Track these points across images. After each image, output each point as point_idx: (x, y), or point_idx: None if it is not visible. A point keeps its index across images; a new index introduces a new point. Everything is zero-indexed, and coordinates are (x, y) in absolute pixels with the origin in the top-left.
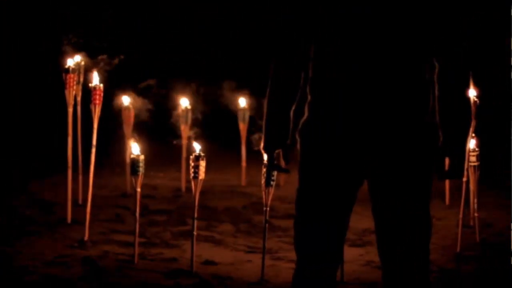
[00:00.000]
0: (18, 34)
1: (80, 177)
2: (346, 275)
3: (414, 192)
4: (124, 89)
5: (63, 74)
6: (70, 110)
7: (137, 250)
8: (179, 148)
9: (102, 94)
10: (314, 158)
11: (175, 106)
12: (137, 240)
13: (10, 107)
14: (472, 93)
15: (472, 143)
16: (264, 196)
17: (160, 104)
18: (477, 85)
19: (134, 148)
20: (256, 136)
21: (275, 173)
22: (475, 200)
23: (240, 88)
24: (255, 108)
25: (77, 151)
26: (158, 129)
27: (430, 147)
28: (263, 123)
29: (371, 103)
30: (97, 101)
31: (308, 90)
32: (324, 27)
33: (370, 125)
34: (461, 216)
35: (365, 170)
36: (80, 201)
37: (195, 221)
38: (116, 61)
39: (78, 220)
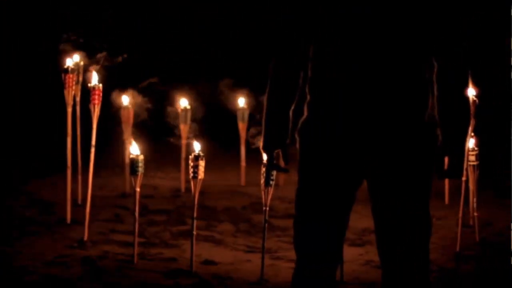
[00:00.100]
0: (18, 34)
1: (80, 177)
2: (346, 275)
3: (414, 191)
4: (124, 89)
5: (62, 74)
6: (69, 110)
7: (136, 250)
8: (178, 148)
9: (101, 94)
10: (314, 157)
11: (174, 106)
12: (137, 240)
13: (10, 107)
14: (471, 92)
15: (471, 143)
16: (263, 196)
17: (159, 104)
18: (477, 85)
19: (133, 148)
20: (253, 130)
21: (274, 172)
22: (475, 200)
23: (239, 88)
24: (254, 106)
25: (76, 151)
26: (158, 129)
27: (430, 146)
28: (263, 122)
29: (371, 103)
30: (96, 101)
31: (307, 90)
32: (324, 27)
33: (370, 125)
34: (460, 215)
35: (364, 170)
36: (79, 201)
37: (195, 221)
38: (119, 59)
39: (78, 220)
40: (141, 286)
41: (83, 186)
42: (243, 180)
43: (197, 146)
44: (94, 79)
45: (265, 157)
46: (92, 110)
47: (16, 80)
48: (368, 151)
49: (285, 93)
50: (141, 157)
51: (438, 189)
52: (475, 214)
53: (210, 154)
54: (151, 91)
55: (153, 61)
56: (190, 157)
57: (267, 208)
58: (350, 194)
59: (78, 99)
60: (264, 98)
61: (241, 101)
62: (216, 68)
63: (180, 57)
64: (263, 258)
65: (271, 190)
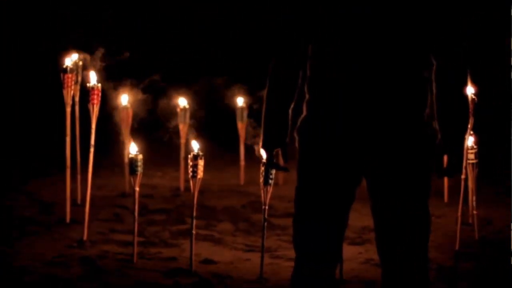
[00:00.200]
0: (18, 34)
1: (79, 177)
2: (345, 273)
3: (413, 190)
4: (123, 89)
5: (61, 74)
6: (68, 110)
7: (136, 249)
8: (177, 147)
9: (100, 94)
10: (313, 156)
11: (173, 105)
12: (136, 239)
13: (10, 107)
14: (470, 90)
15: (470, 141)
16: (262, 195)
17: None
18: (476, 85)
19: (133, 148)
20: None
21: (273, 171)
22: (474, 198)
23: (238, 87)
24: (252, 104)
25: (75, 151)
26: (157, 128)
27: (429, 145)
28: (262, 121)
29: (370, 102)
30: (95, 101)
31: (306, 89)
32: (324, 27)
33: (369, 125)
34: (460, 213)
35: (364, 169)
36: (79, 201)
37: (194, 220)
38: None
39: (77, 220)
40: (140, 286)
41: (82, 186)
42: (242, 179)
43: (196, 146)
44: (93, 79)
45: (264, 156)
46: (91, 110)
47: (16, 80)
48: (368, 151)
49: (285, 92)
50: (140, 156)
51: (437, 187)
52: (475, 212)
53: (209, 154)
54: (151, 89)
55: (153, 61)
56: (189, 156)
57: (267, 207)
58: (350, 193)
59: (77, 99)
60: (264, 97)
61: (240, 100)
62: (216, 68)
63: (180, 57)
64: (262, 257)
65: (270, 189)
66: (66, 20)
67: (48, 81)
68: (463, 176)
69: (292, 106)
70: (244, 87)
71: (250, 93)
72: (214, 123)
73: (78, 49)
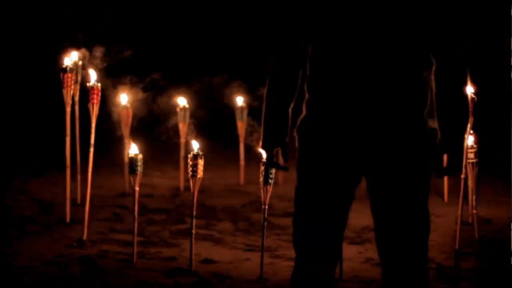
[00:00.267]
0: (18, 34)
1: (79, 177)
2: (345, 273)
3: (413, 190)
4: (123, 88)
5: (61, 74)
6: (68, 109)
7: (136, 249)
8: (177, 147)
9: (99, 94)
10: (313, 156)
11: (173, 105)
12: (136, 239)
13: (10, 107)
14: (469, 90)
15: (470, 140)
16: (262, 194)
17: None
18: (476, 85)
19: (132, 147)
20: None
21: (273, 171)
22: (474, 197)
23: (238, 86)
24: (252, 102)
25: (75, 150)
26: (156, 128)
27: (428, 144)
28: (262, 121)
29: (370, 102)
30: (95, 101)
31: (305, 88)
32: (324, 27)
33: (370, 125)
34: (459, 213)
35: (364, 169)
36: (78, 201)
37: (194, 220)
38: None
39: (77, 220)
40: (140, 285)
41: (82, 185)
42: (242, 179)
43: (196, 145)
44: (93, 78)
45: (264, 155)
46: (91, 109)
47: (16, 80)
48: (368, 151)
49: (285, 92)
50: (140, 156)
51: (437, 187)
52: (474, 211)
53: (209, 153)
54: (151, 88)
55: (153, 61)
56: (189, 156)
57: (266, 207)
58: (349, 192)
59: (76, 98)
60: (263, 97)
61: (240, 100)
62: (216, 68)
63: (180, 57)
64: (262, 257)
65: (270, 189)
66: (66, 20)
67: (48, 81)
68: (463, 176)
69: (292, 105)
70: (243, 86)
71: (250, 92)
72: (214, 122)
73: (78, 47)
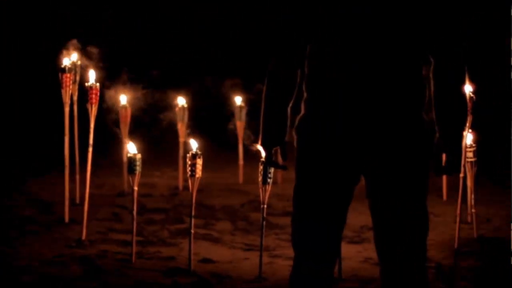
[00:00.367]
0: (18, 34)
1: (78, 177)
2: (344, 272)
3: (413, 190)
4: (122, 88)
5: (59, 74)
6: (67, 109)
7: (134, 249)
8: (176, 146)
9: (98, 93)
10: (312, 155)
11: (172, 104)
12: (135, 239)
13: (9, 107)
14: (468, 88)
15: (469, 139)
16: (261, 194)
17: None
18: (477, 85)
19: (131, 147)
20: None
21: (271, 170)
22: (472, 196)
23: (237, 86)
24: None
25: (74, 150)
26: (155, 127)
27: (427, 143)
28: (261, 120)
29: (370, 102)
30: (94, 100)
31: (304, 87)
32: (324, 27)
33: (370, 125)
34: (458, 212)
35: (364, 169)
36: (77, 201)
37: (193, 220)
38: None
39: (76, 220)
40: (139, 285)
41: (81, 185)
42: (241, 178)
43: (194, 145)
44: (92, 78)
45: (263, 154)
46: (90, 109)
47: (16, 80)
48: (368, 151)
49: (284, 91)
50: (139, 156)
51: (436, 185)
52: (473, 210)
53: (207, 153)
54: (150, 88)
55: (153, 61)
56: (188, 155)
57: (265, 206)
58: (348, 192)
59: (75, 98)
60: (262, 96)
61: (238, 99)
62: (216, 68)
63: (180, 57)
64: (261, 256)
65: (269, 188)
66: (66, 20)
67: (48, 81)
68: (461, 175)
69: (290, 104)
70: (242, 86)
71: (248, 92)
72: (212, 122)
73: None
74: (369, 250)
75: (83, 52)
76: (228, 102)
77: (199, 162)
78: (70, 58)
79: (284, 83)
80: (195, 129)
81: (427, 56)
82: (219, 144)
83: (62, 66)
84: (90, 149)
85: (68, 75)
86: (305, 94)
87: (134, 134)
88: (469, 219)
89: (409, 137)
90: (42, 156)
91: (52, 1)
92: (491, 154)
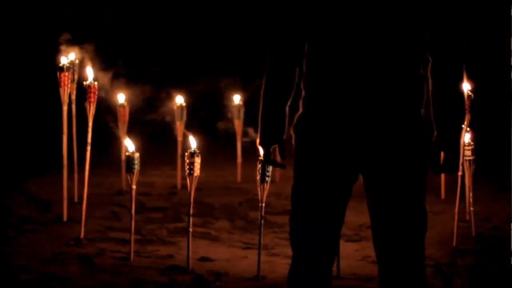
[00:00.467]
0: (18, 34)
1: (76, 175)
2: (342, 270)
3: (412, 189)
4: (120, 87)
5: (58, 72)
6: (65, 108)
7: (133, 247)
8: (174, 145)
9: (96, 92)
10: (311, 154)
11: (171, 103)
12: (133, 237)
13: (9, 106)
14: (466, 87)
15: (467, 137)
16: (259, 192)
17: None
18: (477, 85)
19: (129, 146)
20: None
21: (270, 168)
22: (471, 194)
23: (235, 85)
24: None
25: (72, 149)
26: (154, 126)
27: (426, 142)
28: (259, 118)
29: (370, 102)
30: (92, 99)
31: (302, 86)
32: (324, 27)
33: (370, 125)
34: (457, 210)
35: (363, 168)
36: (76, 199)
37: (191, 218)
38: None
39: (74, 218)
40: (137, 283)
41: (79, 184)
42: (239, 177)
43: (193, 143)
44: (90, 77)
45: (261, 152)
46: (88, 108)
47: (16, 80)
48: (368, 151)
49: (283, 89)
50: (137, 154)
51: (434, 184)
52: (471, 209)
53: (206, 151)
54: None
55: (153, 61)
56: (186, 154)
57: (264, 205)
58: (346, 190)
59: (73, 97)
60: (261, 94)
61: (237, 98)
62: (215, 68)
63: (180, 57)
64: (259, 255)
65: (267, 186)
66: (66, 20)
67: (48, 81)
68: (460, 173)
69: (289, 103)
70: (240, 84)
71: (247, 90)
72: (211, 120)
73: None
74: (368, 249)
75: (80, 47)
76: (227, 101)
77: (198, 160)
78: (68, 57)
79: (283, 81)
80: (193, 128)
81: (425, 54)
82: (217, 143)
83: (60, 64)
84: (89, 147)
85: (66, 73)
86: (303, 93)
87: (132, 132)
88: (467, 217)
89: (408, 137)
90: (40, 155)
91: (52, 1)
92: (491, 154)
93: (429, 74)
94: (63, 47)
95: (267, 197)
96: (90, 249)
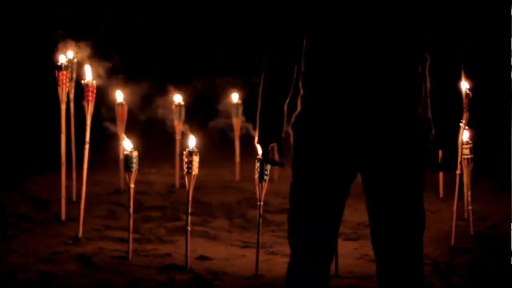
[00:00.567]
0: (18, 34)
1: (74, 174)
2: (340, 269)
3: (410, 188)
4: (119, 85)
5: (56, 71)
6: (63, 107)
7: (131, 246)
8: (172, 143)
9: (94, 91)
10: (310, 153)
11: (170, 102)
12: (131, 236)
13: (8, 106)
14: (464, 85)
15: (465, 136)
16: (258, 191)
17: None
18: (477, 85)
19: (127, 144)
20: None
21: (268, 167)
22: (469, 193)
23: (234, 84)
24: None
25: (70, 148)
26: (152, 125)
27: (423, 141)
28: (258, 117)
29: (371, 102)
30: (90, 98)
31: (300, 84)
32: (324, 27)
33: (370, 124)
34: (455, 209)
35: (362, 167)
36: (74, 198)
37: (189, 217)
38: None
39: (72, 217)
40: (136, 282)
41: (77, 183)
42: (237, 175)
43: (191, 142)
44: (88, 75)
45: (260, 151)
46: (86, 106)
47: (16, 80)
48: (368, 150)
49: (281, 87)
50: (135, 153)
51: (432, 182)
52: (470, 207)
53: (204, 150)
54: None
55: (153, 61)
56: (184, 152)
57: (262, 203)
58: (345, 189)
59: (72, 96)
60: (259, 93)
61: (235, 97)
62: (216, 68)
63: (180, 57)
64: (257, 253)
65: (265, 185)
66: (66, 20)
67: (48, 80)
68: (458, 171)
69: (287, 101)
70: (239, 84)
71: (245, 89)
72: (209, 119)
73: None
74: (366, 247)
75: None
76: (225, 100)
77: (196, 159)
78: (66, 55)
79: (282, 80)
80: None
81: (424, 54)
82: (215, 141)
83: (58, 63)
84: (87, 146)
85: (64, 72)
86: (301, 91)
87: (130, 131)
88: (465, 215)
89: (408, 136)
90: (38, 154)
91: (52, 1)
92: (490, 153)
93: (427, 72)
94: (60, 45)
95: (265, 195)
96: (88, 248)
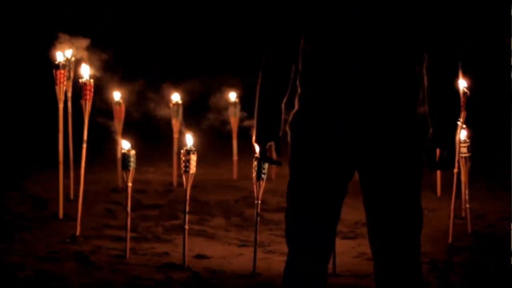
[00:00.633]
0: (18, 34)
1: (72, 173)
2: (338, 267)
3: (408, 187)
4: (117, 84)
5: (53, 70)
6: (61, 106)
7: (129, 245)
8: (170, 142)
9: (92, 90)
10: (308, 152)
11: (167, 101)
12: (129, 235)
13: (9, 106)
14: (462, 84)
15: (463, 134)
16: (255, 190)
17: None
18: (477, 85)
19: (125, 143)
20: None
21: (266, 166)
22: (467, 192)
23: (233, 83)
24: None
25: (68, 146)
26: (150, 124)
27: (421, 140)
28: (255, 115)
29: (370, 102)
30: (88, 97)
31: (298, 83)
32: (324, 27)
33: (370, 124)
34: (452, 207)
35: (361, 167)
36: (71, 197)
37: (187, 215)
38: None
39: (70, 216)
40: (133, 281)
41: (75, 181)
42: (235, 174)
43: (189, 140)
44: (86, 74)
45: (257, 150)
46: (84, 105)
47: (16, 80)
48: (367, 150)
49: (279, 86)
50: (133, 152)
51: (430, 181)
52: (467, 206)
53: (202, 148)
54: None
55: (153, 61)
56: (182, 151)
57: (259, 202)
58: (342, 188)
59: (69, 94)
60: (257, 91)
61: (233, 95)
62: (216, 68)
63: (180, 57)
64: (255, 252)
65: (263, 184)
66: (66, 20)
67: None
68: (455, 170)
69: (285, 100)
70: (236, 82)
71: (242, 87)
72: (206, 117)
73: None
74: (363, 246)
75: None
76: (223, 98)
77: (193, 158)
78: (64, 54)
79: (279, 79)
80: (189, 126)
81: (422, 53)
82: (213, 140)
83: (56, 62)
84: (84, 145)
85: (62, 71)
86: (299, 90)
87: (128, 130)
88: (463, 214)
89: (408, 136)
90: (36, 152)
91: (52, 1)
92: (489, 153)
93: (425, 71)
94: (58, 43)
95: (263, 194)
96: (86, 246)
